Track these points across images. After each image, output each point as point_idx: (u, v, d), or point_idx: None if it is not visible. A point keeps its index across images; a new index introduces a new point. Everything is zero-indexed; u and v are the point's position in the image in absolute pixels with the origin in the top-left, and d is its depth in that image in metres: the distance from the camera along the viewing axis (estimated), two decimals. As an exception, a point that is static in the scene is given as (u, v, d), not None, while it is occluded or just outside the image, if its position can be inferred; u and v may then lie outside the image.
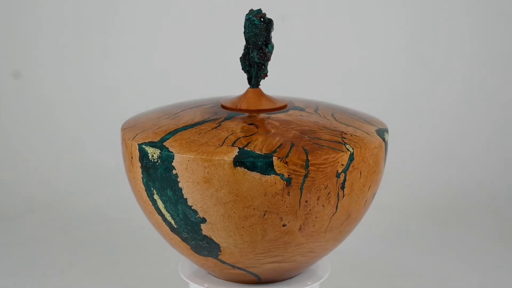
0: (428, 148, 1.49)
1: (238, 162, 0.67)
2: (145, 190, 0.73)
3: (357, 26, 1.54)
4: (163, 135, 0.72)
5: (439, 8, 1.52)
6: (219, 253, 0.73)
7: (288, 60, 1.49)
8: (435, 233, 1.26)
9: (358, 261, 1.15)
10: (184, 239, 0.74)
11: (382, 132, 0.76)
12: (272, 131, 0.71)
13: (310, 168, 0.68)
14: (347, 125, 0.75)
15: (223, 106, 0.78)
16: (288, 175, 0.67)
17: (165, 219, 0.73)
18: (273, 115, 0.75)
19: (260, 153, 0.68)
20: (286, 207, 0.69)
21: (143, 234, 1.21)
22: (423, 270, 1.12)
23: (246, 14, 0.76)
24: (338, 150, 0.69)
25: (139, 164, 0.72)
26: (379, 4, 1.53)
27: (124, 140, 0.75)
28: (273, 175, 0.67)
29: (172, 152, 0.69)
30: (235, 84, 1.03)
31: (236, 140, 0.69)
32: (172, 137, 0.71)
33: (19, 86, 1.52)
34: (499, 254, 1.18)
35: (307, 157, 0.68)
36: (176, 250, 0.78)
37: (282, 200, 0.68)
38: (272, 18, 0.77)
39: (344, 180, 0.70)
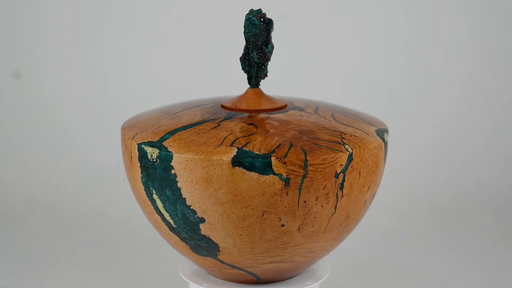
0: (428, 148, 1.48)
1: (236, 162, 0.67)
2: (145, 190, 0.73)
3: (357, 26, 1.54)
4: (162, 135, 0.72)
5: (439, 8, 1.52)
6: (218, 253, 0.73)
7: (288, 60, 1.49)
8: (435, 233, 1.26)
9: (358, 261, 1.15)
10: (183, 239, 0.74)
11: (381, 133, 0.76)
12: (271, 131, 0.71)
13: (309, 168, 0.68)
14: (347, 126, 0.75)
15: (223, 106, 0.78)
16: (287, 175, 0.67)
17: (164, 219, 0.73)
18: (272, 115, 0.75)
19: (258, 153, 0.68)
20: (285, 207, 0.69)
21: (143, 234, 1.21)
22: (423, 270, 1.12)
23: (246, 14, 0.76)
24: (337, 150, 0.69)
25: (139, 164, 0.72)
26: (379, 4, 1.53)
27: (123, 139, 0.75)
28: (271, 175, 0.67)
29: (171, 152, 0.69)
30: (235, 84, 1.03)
31: (235, 140, 0.69)
32: (171, 137, 0.71)
33: (19, 86, 1.52)
34: (499, 254, 1.18)
35: (305, 157, 0.68)
36: (176, 250, 0.78)
37: (280, 200, 0.68)
38: (272, 18, 0.77)
39: (343, 180, 0.70)
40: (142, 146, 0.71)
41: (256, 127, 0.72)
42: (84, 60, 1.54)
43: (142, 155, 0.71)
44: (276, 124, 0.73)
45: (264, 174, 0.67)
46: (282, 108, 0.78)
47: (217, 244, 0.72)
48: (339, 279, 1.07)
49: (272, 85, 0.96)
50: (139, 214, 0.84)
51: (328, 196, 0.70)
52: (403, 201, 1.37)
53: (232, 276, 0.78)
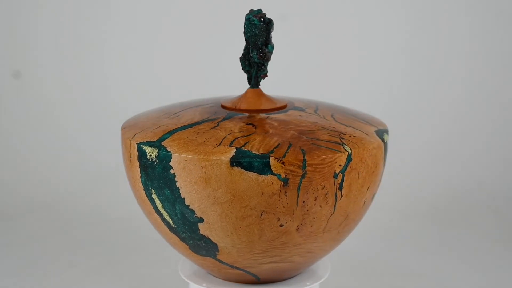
0: (428, 148, 1.48)
1: (235, 162, 0.67)
2: (144, 190, 0.73)
3: (357, 26, 1.54)
4: (162, 134, 0.72)
5: (439, 8, 1.52)
6: (217, 253, 0.73)
7: (288, 60, 1.49)
8: (435, 233, 1.26)
9: (358, 261, 1.15)
10: (182, 239, 0.74)
11: (381, 133, 0.76)
12: (270, 131, 0.71)
13: (307, 168, 0.68)
14: (347, 126, 0.75)
15: (223, 106, 0.78)
16: (285, 175, 0.67)
17: (163, 219, 0.73)
18: (272, 115, 0.75)
19: (257, 153, 0.68)
20: (283, 207, 0.69)
21: (143, 234, 1.21)
22: (423, 270, 1.12)
23: (246, 14, 0.76)
24: (336, 150, 0.69)
25: (138, 164, 0.72)
26: (379, 4, 1.53)
27: (123, 139, 0.75)
28: (270, 175, 0.67)
29: (169, 151, 0.69)
30: (235, 84, 1.03)
31: (234, 140, 0.69)
32: (170, 137, 0.71)
33: (19, 86, 1.52)
34: (499, 254, 1.18)
35: (304, 157, 0.68)
36: (176, 249, 0.78)
37: (279, 200, 0.68)
38: (272, 18, 0.77)
39: (342, 180, 0.70)
40: (141, 145, 0.71)
41: (255, 127, 0.72)
42: (84, 60, 1.54)
43: (141, 155, 0.71)
44: (276, 124, 0.73)
45: (262, 174, 0.67)
46: (282, 108, 0.78)
47: (216, 244, 0.72)
48: (339, 279, 1.07)
49: (272, 85, 0.96)
50: (139, 214, 0.84)
51: (327, 196, 0.70)
52: (403, 201, 1.37)
53: (232, 276, 0.78)
